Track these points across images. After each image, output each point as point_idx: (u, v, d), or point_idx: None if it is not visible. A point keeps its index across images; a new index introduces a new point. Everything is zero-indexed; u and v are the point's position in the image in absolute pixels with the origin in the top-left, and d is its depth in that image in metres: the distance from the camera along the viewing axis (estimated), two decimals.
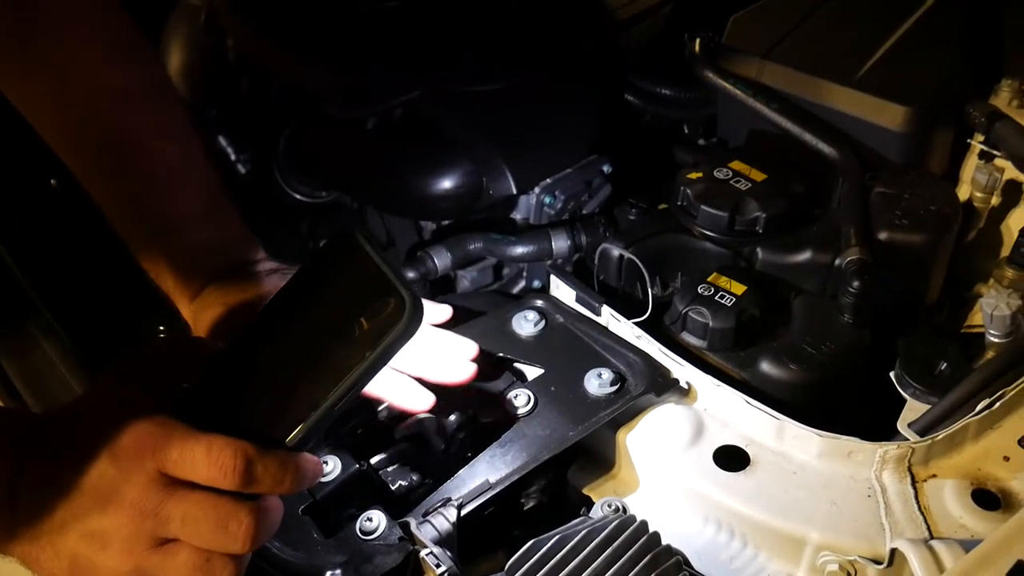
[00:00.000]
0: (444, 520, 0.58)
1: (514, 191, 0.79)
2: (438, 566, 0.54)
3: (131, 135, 0.66)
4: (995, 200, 0.78)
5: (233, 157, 1.04)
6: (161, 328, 0.82)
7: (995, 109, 0.80)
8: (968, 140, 0.79)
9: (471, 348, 0.67)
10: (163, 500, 0.45)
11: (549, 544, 0.54)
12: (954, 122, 0.80)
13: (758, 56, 0.82)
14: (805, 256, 0.71)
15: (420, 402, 0.64)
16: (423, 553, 0.56)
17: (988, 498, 0.57)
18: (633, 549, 0.53)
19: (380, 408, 0.67)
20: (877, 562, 0.54)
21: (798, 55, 0.82)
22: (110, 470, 0.46)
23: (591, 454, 0.66)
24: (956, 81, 0.80)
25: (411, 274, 0.79)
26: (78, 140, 0.67)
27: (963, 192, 0.80)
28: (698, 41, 0.85)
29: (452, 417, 0.65)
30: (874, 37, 0.82)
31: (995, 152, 0.78)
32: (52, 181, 0.93)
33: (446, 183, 0.81)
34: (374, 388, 0.64)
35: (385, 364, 0.46)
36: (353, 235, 0.47)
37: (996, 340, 0.67)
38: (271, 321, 0.50)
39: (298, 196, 0.96)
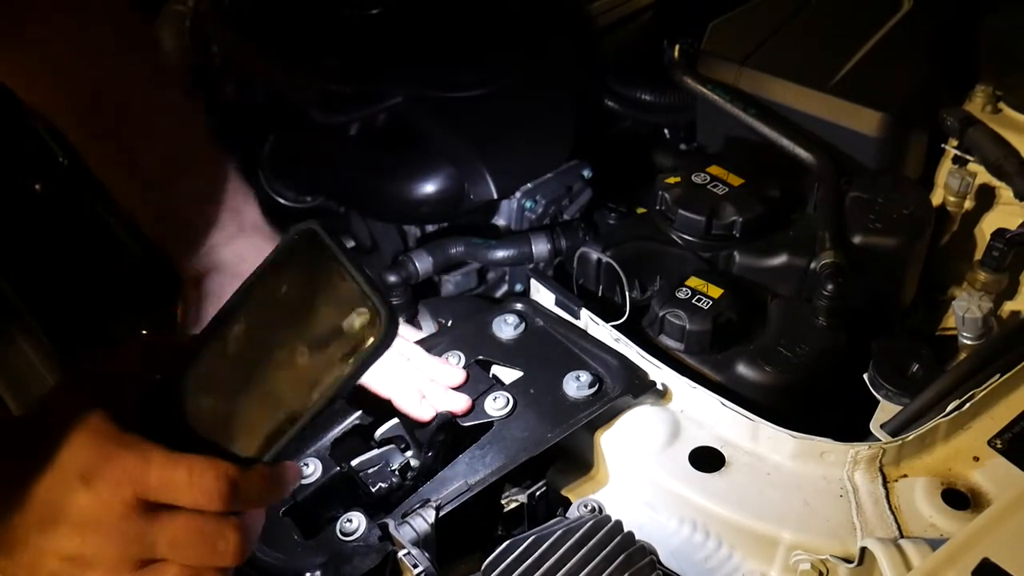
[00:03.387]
0: (423, 521, 0.59)
1: (495, 196, 0.80)
2: (415, 566, 0.55)
3: (141, 116, 0.66)
4: (968, 204, 0.79)
5: None
6: (144, 332, 0.82)
7: (968, 114, 0.81)
8: (942, 145, 0.81)
9: (458, 376, 0.67)
10: (147, 526, 0.45)
11: (525, 544, 0.54)
12: (928, 127, 0.81)
13: (736, 62, 0.84)
14: (781, 260, 0.73)
15: (424, 413, 0.65)
16: (401, 554, 0.56)
17: (957, 497, 0.58)
18: (608, 548, 0.54)
19: (359, 412, 0.68)
20: (848, 561, 0.55)
21: (775, 61, 0.83)
22: (86, 498, 0.44)
23: (570, 455, 0.67)
24: (930, 87, 0.82)
25: (393, 278, 0.80)
26: (90, 121, 0.66)
27: (937, 196, 0.81)
28: (678, 47, 0.86)
29: (433, 421, 0.66)
30: (850, 43, 0.83)
31: (968, 157, 0.79)
32: (36, 186, 0.94)
33: (427, 188, 0.82)
34: (383, 387, 0.65)
35: (361, 376, 0.46)
36: (313, 230, 0.44)
37: (968, 342, 0.69)
38: (237, 324, 0.48)
39: (283, 201, 0.96)
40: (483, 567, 0.54)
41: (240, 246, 0.68)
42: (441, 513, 0.60)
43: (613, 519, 0.56)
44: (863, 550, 0.53)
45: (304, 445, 0.66)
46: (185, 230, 0.68)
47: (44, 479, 0.45)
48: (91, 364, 0.49)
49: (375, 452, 0.65)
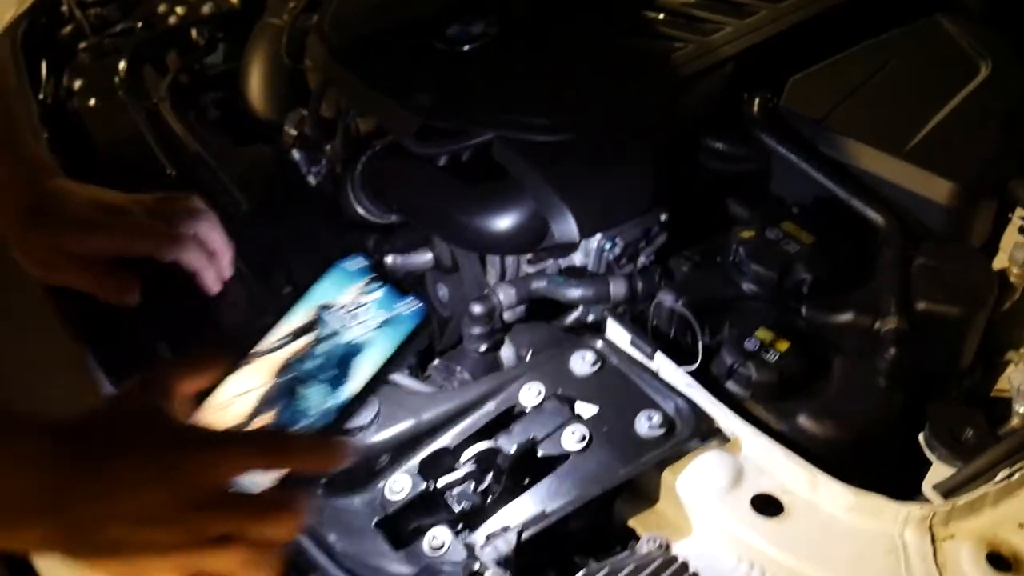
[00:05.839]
0: (504, 544, 0.65)
1: (578, 238, 0.85)
2: None
3: None
4: None
5: (304, 170, 1.11)
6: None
7: None
8: (1009, 215, 0.84)
9: None
10: (218, 509, 0.50)
11: (600, 574, 0.60)
12: (997, 196, 0.84)
13: (814, 120, 0.87)
14: (846, 319, 0.77)
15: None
16: (487, 573, 0.63)
17: (1001, 561, 0.62)
18: None
19: (448, 435, 0.74)
20: None
21: (852, 122, 0.87)
22: (161, 487, 0.49)
23: (636, 489, 0.72)
24: (1003, 157, 0.84)
25: (478, 308, 0.86)
26: None
27: (1000, 261, 0.84)
28: (757, 101, 0.90)
29: (513, 448, 0.72)
30: (927, 109, 0.87)
31: None
32: None
33: (511, 224, 0.87)
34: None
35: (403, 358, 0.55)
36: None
37: (1022, 412, 0.73)
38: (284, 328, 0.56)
39: (366, 214, 1.02)
40: None
41: None
42: (522, 537, 0.66)
43: (680, 559, 0.61)
44: None
45: (396, 464, 0.73)
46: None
47: (119, 468, 0.50)
48: (148, 374, 0.55)
49: (460, 473, 0.72)
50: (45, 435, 0.51)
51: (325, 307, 0.56)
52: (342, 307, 0.56)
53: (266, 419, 0.54)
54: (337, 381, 0.54)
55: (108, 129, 1.18)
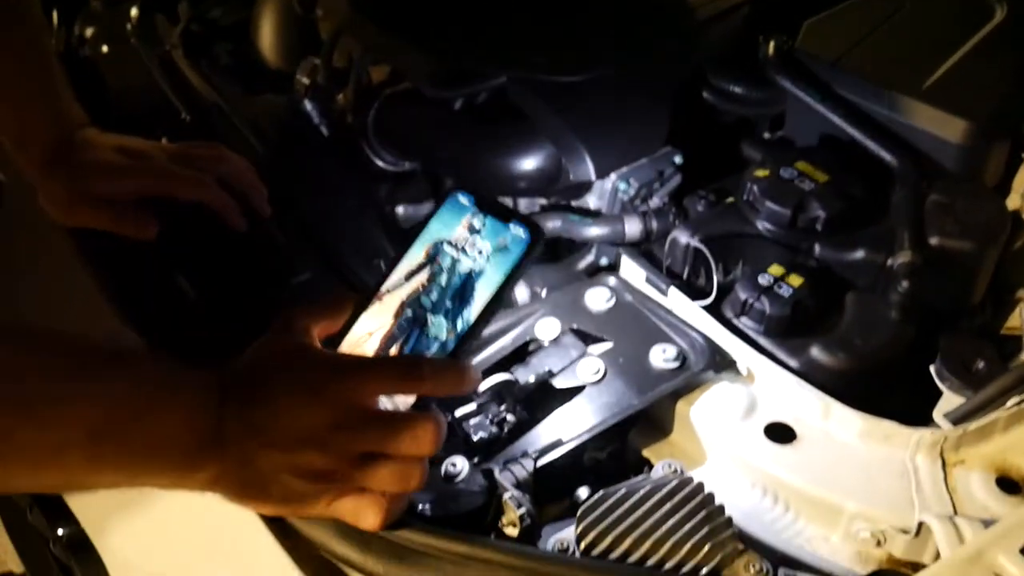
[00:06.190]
0: (522, 469, 0.67)
1: (593, 177, 0.85)
2: (519, 507, 0.63)
3: None
4: None
5: (316, 119, 1.11)
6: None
7: None
8: (1022, 154, 0.84)
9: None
10: (367, 427, 0.53)
11: (617, 495, 0.61)
12: (1011, 137, 0.84)
13: (829, 62, 0.87)
14: (859, 255, 0.78)
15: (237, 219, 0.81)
16: (506, 496, 0.64)
17: (1010, 485, 0.64)
18: (690, 505, 0.61)
19: None
20: (905, 532, 0.61)
21: (867, 63, 0.87)
22: (317, 411, 0.53)
23: (651, 420, 0.73)
24: (1017, 98, 0.85)
25: None
26: None
27: (1013, 201, 0.85)
28: (772, 44, 0.90)
29: (531, 379, 0.73)
30: (942, 50, 0.87)
31: None
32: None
33: (528, 165, 0.88)
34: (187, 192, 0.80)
35: (513, 284, 0.57)
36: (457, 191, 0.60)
37: None
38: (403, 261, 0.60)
39: (381, 163, 1.02)
40: (579, 512, 0.61)
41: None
42: (538, 464, 0.67)
43: (695, 480, 0.63)
44: (920, 524, 0.59)
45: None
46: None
47: (277, 396, 0.53)
48: (286, 317, 0.58)
49: (477, 404, 0.73)
50: (211, 382, 0.54)
51: (439, 243, 0.59)
52: (455, 241, 0.59)
53: (396, 352, 0.58)
54: (457, 311, 0.58)
55: (121, 76, 1.18)
